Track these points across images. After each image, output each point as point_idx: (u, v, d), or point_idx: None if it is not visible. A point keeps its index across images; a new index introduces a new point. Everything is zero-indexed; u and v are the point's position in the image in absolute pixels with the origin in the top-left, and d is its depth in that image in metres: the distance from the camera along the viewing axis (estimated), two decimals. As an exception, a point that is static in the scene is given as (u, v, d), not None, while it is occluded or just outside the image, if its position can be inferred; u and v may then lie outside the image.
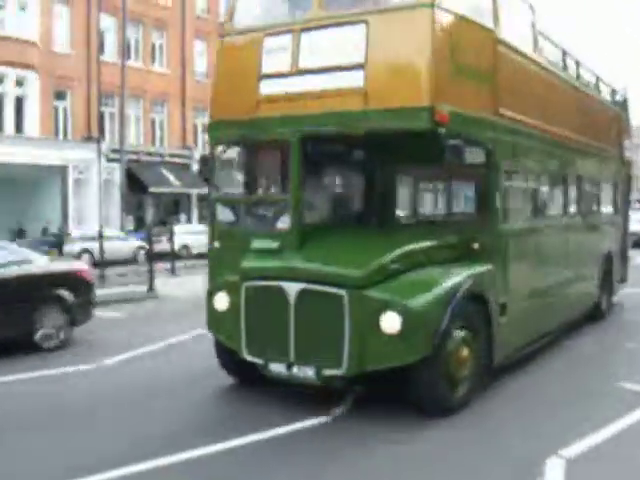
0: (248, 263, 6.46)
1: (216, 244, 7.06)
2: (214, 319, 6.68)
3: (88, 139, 29.87)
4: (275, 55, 6.49)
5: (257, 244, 6.57)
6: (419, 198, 8.20)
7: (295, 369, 6.02)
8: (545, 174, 8.86)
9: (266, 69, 6.57)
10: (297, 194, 6.46)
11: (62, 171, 28.96)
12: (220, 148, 6.88)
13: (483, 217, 7.03)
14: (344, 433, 5.73)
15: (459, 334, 6.15)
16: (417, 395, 6.05)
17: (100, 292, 11.94)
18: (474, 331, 6.36)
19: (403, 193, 8.02)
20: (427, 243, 6.69)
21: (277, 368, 6.12)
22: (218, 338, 6.75)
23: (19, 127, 27.81)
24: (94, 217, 28.86)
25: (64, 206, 29.23)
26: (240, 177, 7.19)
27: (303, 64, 6.38)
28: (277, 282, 6.11)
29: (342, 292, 5.83)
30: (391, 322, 5.73)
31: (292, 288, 6.03)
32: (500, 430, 5.86)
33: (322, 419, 6.00)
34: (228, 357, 6.79)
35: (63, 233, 26.59)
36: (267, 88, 6.53)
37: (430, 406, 6.05)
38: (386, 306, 5.76)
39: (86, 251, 23.98)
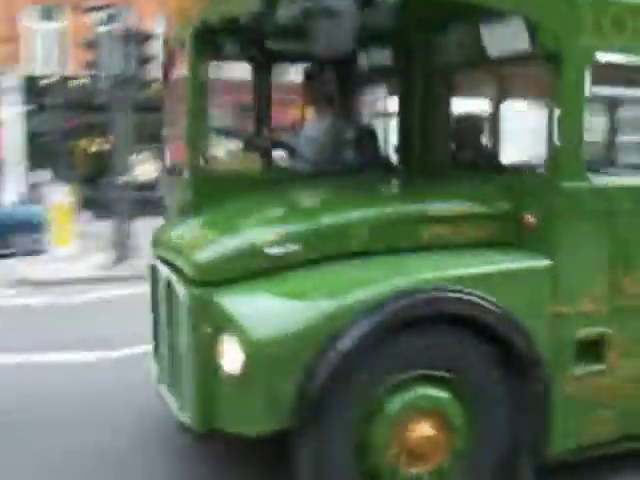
0: (157, 230, 4.36)
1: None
2: None
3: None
4: None
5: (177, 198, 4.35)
6: (447, 131, 4.32)
7: (173, 399, 3.81)
8: None
9: None
10: (194, 122, 3.95)
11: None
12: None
13: (546, 166, 3.46)
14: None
15: (409, 395, 3.09)
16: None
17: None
18: (466, 389, 3.16)
19: (425, 122, 4.16)
20: (416, 208, 3.53)
21: (163, 391, 3.99)
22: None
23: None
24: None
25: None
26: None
27: None
28: (155, 262, 3.98)
29: (181, 290, 3.42)
30: (229, 354, 3.10)
31: (163, 273, 3.83)
32: None
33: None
34: None
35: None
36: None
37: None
38: (224, 325, 3.15)
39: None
